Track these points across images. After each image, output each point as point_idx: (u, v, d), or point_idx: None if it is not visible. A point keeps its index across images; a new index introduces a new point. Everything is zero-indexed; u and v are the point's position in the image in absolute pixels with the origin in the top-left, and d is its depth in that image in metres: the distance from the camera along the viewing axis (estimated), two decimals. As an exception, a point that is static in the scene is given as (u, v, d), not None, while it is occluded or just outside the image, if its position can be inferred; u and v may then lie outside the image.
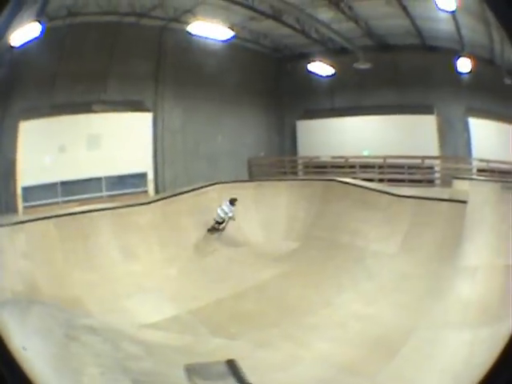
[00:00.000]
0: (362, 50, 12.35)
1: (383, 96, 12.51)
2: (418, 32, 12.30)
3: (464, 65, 12.13)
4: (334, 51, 12.81)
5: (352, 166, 12.62)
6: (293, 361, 6.48)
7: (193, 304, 7.72)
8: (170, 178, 11.67)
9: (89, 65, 10.11)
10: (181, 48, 11.16)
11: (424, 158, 11.75)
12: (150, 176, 11.29)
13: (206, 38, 10.59)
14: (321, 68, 12.82)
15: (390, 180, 11.60)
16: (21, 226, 7.97)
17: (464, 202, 9.82)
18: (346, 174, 11.79)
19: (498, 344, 4.71)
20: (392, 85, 12.32)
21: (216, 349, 6.52)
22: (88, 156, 10.35)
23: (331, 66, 12.72)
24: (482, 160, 11.98)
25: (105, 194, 10.55)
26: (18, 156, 9.56)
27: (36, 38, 8.63)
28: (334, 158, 12.90)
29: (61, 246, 8.15)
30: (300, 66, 13.13)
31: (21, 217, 9.43)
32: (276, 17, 11.70)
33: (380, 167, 12.16)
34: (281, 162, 14.38)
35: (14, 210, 9.66)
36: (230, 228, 10.18)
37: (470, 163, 12.38)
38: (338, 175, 11.66)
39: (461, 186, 10.82)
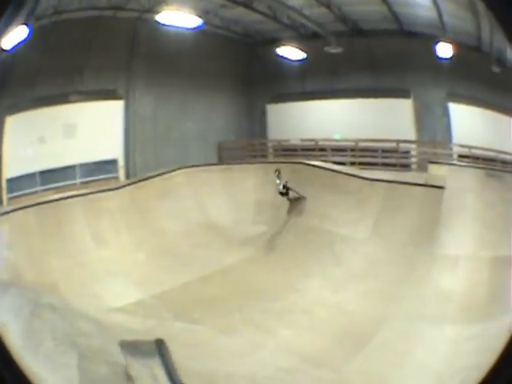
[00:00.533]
0: (334, 35, 12.56)
1: (356, 80, 12.81)
2: (396, 17, 12.39)
3: (444, 50, 12.14)
4: (306, 36, 13.14)
5: (322, 149, 12.98)
6: (254, 348, 6.73)
7: (158, 288, 8.23)
8: (141, 163, 12.33)
9: (69, 58, 10.62)
10: (152, 37, 11.66)
11: (398, 141, 12.05)
12: (121, 162, 11.93)
13: (175, 27, 11.05)
14: (292, 52, 13.16)
15: (361, 164, 11.89)
16: (5, 216, 8.51)
17: (440, 187, 9.92)
18: (316, 158, 12.20)
19: (489, 344, 4.36)
20: (366, 69, 12.60)
21: (178, 334, 6.76)
22: (64, 145, 10.96)
23: (302, 50, 13.03)
24: (463, 146, 12.17)
25: (78, 181, 11.13)
26: (4, 150, 9.97)
27: (24, 40, 9.08)
28: (303, 140, 13.31)
29: (40, 233, 8.72)
30: (271, 51, 13.36)
31: (4, 208, 9.87)
32: (247, 4, 12.01)
33: (352, 150, 12.58)
34: (251, 145, 14.71)
35: (0, 202, 10.28)
36: (202, 212, 10.65)
37: (450, 148, 12.45)
38: (308, 158, 12.03)
39: (437, 171, 10.92)
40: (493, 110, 12.25)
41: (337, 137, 13.20)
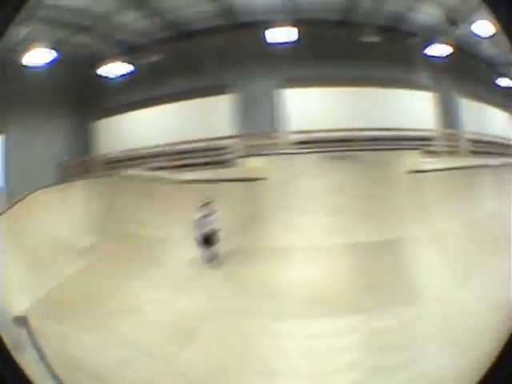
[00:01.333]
0: (160, 43, 18.10)
1: (179, 83, 18.13)
2: (227, 11, 16.98)
3: (285, 34, 16.47)
4: (134, 49, 18.68)
5: (143, 157, 18.36)
6: (103, 343, 9.97)
7: (35, 296, 12.18)
8: (14, 190, 17.69)
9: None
10: (20, 75, 17.44)
11: (214, 139, 17.10)
12: (3, 190, 18.07)
13: (34, 64, 17.02)
14: (118, 68, 18.87)
15: (182, 166, 17.01)
16: None
17: (261, 179, 13.55)
18: (137, 166, 17.47)
19: (367, 341, 9.26)
20: (190, 71, 17.83)
21: (51, 331, 10.22)
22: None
23: (129, 63, 18.75)
24: (298, 132, 16.63)
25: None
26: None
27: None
28: (122, 152, 19.10)
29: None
30: (100, 69, 19.01)
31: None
32: (85, 28, 17.51)
33: (168, 155, 17.86)
34: (82, 162, 20.10)
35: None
36: (49, 228, 15.25)
37: (281, 137, 16.92)
38: (131, 168, 17.12)
39: (257, 163, 14.68)
40: (357, 86, 16.95)
41: (155, 143, 18.56)
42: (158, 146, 18.20)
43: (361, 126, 16.63)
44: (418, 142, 16.94)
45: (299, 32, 16.72)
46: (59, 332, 10.48)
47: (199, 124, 17.85)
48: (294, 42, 16.54)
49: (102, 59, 19.15)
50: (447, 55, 17.79)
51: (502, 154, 18.37)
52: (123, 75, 18.96)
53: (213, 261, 12.58)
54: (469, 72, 18.86)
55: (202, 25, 17.59)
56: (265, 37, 16.65)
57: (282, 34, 16.47)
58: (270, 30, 16.51)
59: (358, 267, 11.47)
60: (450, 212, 13.65)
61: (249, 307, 10.50)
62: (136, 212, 14.69)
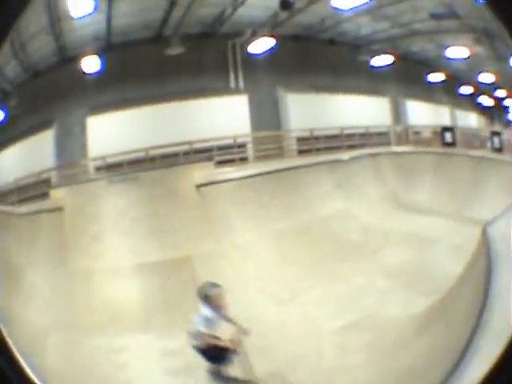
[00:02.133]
0: (19, 87, 19.04)
1: (25, 123, 19.76)
2: (61, 46, 18.27)
3: (94, 63, 18.19)
4: (6, 95, 19.16)
5: (6, 193, 18.90)
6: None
7: None
8: None
9: None
10: None
11: (39, 173, 18.95)
12: None
13: None
14: None
15: (23, 200, 18.57)
16: None
17: (56, 209, 15.31)
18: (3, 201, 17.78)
19: (170, 361, 10.34)
20: (32, 110, 19.54)
21: None
22: None
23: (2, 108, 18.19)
24: (98, 158, 18.69)
25: None
26: None
27: None
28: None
29: None
30: None
31: None
32: None
33: (17, 190, 19.04)
34: None
35: None
36: None
37: (86, 165, 18.99)
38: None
39: (59, 194, 16.60)
40: (163, 103, 18.92)
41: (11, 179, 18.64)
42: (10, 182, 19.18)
43: (161, 143, 18.51)
44: (226, 151, 18.88)
45: (109, 58, 18.80)
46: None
47: (33, 160, 20.66)
48: (101, 69, 18.63)
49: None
50: (272, 48, 18.94)
51: (360, 146, 19.95)
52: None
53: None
54: (312, 62, 20.25)
55: (46, 63, 19.74)
56: (81, 68, 18.57)
57: (92, 63, 18.46)
58: (85, 60, 18.57)
59: (150, 287, 12.76)
60: (256, 222, 14.50)
61: (74, 323, 11.98)
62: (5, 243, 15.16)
